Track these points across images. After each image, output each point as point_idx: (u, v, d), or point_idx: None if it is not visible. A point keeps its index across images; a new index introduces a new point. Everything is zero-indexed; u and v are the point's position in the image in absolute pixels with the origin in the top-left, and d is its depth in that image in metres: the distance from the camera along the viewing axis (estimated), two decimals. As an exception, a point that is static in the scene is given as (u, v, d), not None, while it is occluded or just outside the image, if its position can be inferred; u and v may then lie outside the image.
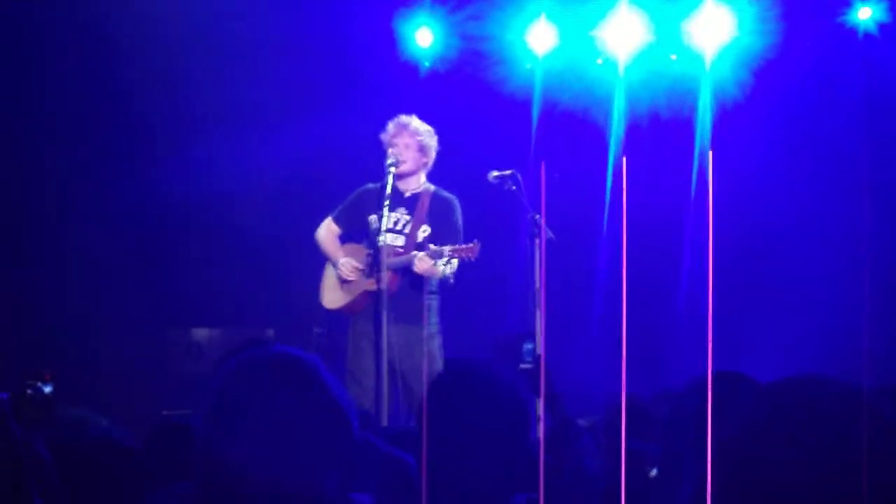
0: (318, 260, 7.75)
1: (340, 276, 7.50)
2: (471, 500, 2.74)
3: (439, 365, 6.95)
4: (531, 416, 2.88)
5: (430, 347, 7.23)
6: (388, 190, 7.14)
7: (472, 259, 6.99)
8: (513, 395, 2.83)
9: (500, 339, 8.10)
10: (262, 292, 9.32)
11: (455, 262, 6.99)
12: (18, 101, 8.88)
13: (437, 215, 7.39)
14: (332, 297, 7.58)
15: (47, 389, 3.66)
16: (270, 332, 8.85)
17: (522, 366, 4.53)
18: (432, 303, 7.37)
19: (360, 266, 7.35)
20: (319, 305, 7.69)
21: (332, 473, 2.39)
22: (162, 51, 8.93)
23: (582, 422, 4.58)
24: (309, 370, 2.41)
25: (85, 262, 9.13)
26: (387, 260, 7.22)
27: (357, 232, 7.59)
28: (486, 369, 2.91)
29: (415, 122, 7.44)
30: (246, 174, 9.21)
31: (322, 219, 7.67)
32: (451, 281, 7.11)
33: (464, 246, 7.04)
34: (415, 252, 7.16)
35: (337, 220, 7.65)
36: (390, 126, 7.45)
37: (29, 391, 3.64)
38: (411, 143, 7.38)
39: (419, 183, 7.49)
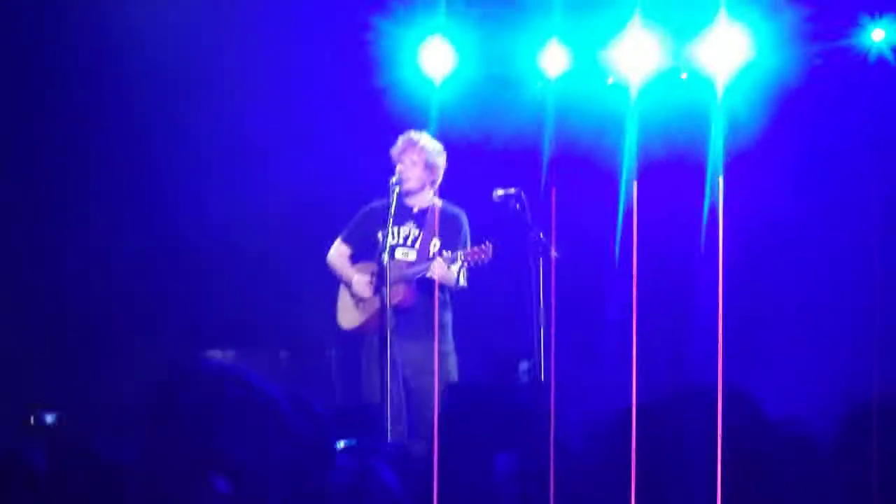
0: (331, 281, 7.72)
1: (355, 295, 7.47)
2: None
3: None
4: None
5: (447, 365, 7.20)
6: (393, 207, 7.14)
7: (486, 259, 6.99)
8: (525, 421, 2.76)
9: (498, 357, 8.06)
10: (275, 314, 9.28)
11: (462, 267, 7.02)
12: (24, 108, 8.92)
13: (447, 229, 7.41)
14: (348, 317, 7.55)
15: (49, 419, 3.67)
16: (284, 355, 8.82)
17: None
18: (447, 319, 7.34)
19: (373, 282, 7.32)
20: (333, 327, 7.65)
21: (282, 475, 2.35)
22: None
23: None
24: (241, 381, 2.36)
25: (95, 285, 9.11)
26: (402, 271, 7.22)
27: (367, 250, 7.58)
28: (496, 392, 2.83)
29: (423, 139, 7.43)
30: (257, 195, 9.20)
31: (333, 239, 7.67)
32: (464, 284, 7.18)
33: (477, 248, 7.05)
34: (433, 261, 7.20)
35: (346, 241, 7.65)
36: (399, 141, 7.46)
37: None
38: (418, 160, 7.38)
39: (427, 198, 7.49)
